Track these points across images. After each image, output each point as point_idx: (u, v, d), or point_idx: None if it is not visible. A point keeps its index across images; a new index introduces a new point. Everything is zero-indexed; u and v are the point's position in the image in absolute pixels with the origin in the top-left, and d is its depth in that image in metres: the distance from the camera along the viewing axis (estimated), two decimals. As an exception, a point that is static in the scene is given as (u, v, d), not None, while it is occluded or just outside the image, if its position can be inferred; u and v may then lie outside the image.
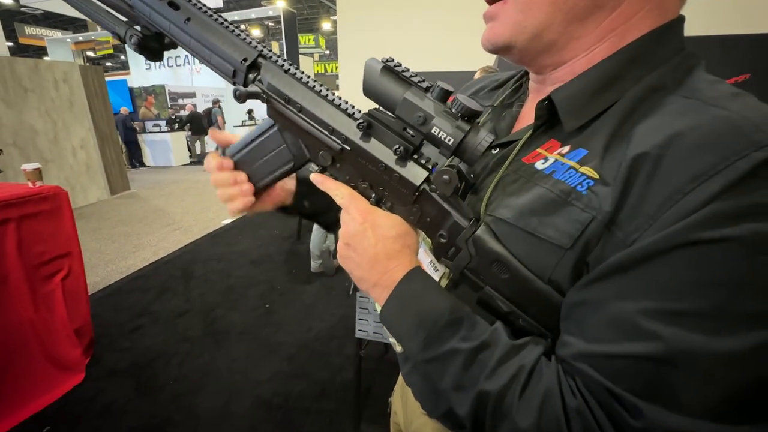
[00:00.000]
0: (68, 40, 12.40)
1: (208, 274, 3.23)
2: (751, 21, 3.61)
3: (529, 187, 0.38)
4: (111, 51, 13.61)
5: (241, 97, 0.42)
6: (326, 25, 19.24)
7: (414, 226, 0.45)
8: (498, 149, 0.45)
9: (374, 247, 0.42)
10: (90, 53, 14.91)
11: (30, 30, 13.66)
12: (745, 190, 0.27)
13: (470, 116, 0.36)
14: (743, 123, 0.29)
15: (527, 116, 0.47)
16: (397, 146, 0.40)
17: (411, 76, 0.37)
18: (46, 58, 13.24)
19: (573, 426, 0.31)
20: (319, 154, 0.45)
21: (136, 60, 12.34)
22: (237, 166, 0.51)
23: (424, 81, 0.37)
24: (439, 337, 0.38)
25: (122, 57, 17.15)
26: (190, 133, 9.28)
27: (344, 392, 1.88)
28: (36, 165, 1.80)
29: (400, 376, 0.70)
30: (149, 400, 1.86)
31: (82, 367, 1.97)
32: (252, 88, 0.42)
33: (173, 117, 9.43)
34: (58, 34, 13.64)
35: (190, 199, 5.80)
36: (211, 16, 0.44)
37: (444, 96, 0.36)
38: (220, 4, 9.80)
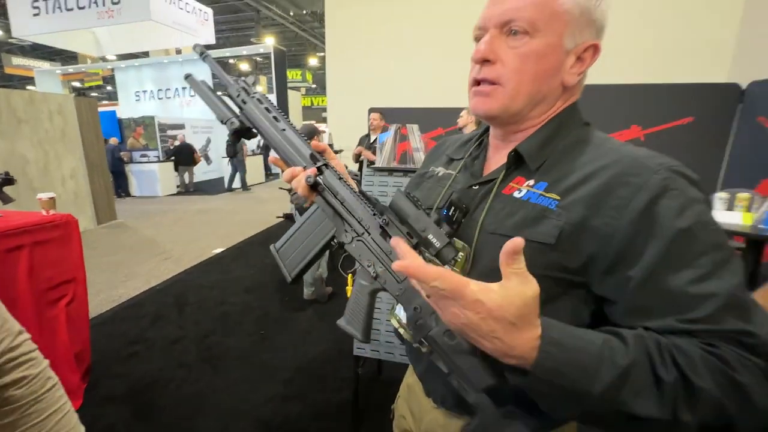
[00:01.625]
0: (57, 71, 12.51)
1: (202, 302, 3.27)
2: (697, 70, 4.10)
3: (514, 209, 0.55)
4: (100, 82, 13.77)
5: (311, 181, 0.61)
6: (313, 61, 20.04)
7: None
8: (478, 186, 0.63)
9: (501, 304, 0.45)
10: (76, 83, 15.01)
11: (17, 60, 13.76)
12: (668, 195, 0.45)
13: (448, 234, 0.53)
14: (640, 157, 0.50)
15: (492, 162, 0.66)
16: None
17: (417, 202, 0.54)
18: (30, 88, 13.27)
19: (734, 365, 0.41)
20: (343, 232, 0.63)
21: (126, 92, 12.50)
22: (283, 252, 0.70)
23: (426, 208, 0.56)
24: (612, 362, 0.41)
25: (108, 88, 17.29)
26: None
27: (342, 412, 1.95)
28: (51, 194, 1.90)
29: (402, 384, 0.80)
30: (147, 426, 1.88)
31: (80, 393, 1.99)
32: (318, 179, 0.63)
33: (172, 147, 9.57)
34: (46, 65, 13.76)
35: (179, 230, 5.82)
36: (295, 129, 0.66)
37: (438, 219, 0.53)
38: (213, 41, 10.18)
